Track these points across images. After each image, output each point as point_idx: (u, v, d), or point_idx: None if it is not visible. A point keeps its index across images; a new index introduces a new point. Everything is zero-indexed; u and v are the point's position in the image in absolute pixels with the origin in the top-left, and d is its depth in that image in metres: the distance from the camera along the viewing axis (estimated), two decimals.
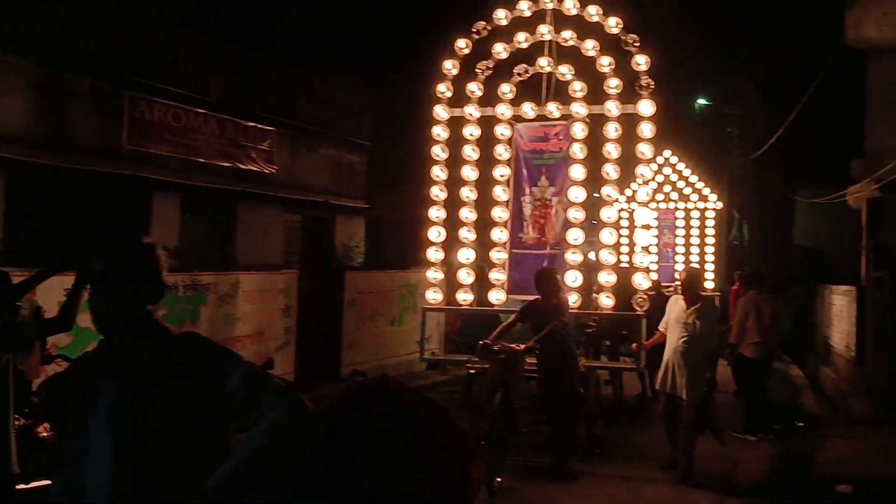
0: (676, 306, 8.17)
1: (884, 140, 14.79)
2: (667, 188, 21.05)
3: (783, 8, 27.97)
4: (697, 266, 19.19)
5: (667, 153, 20.94)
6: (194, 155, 11.85)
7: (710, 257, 20.78)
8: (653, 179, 20.69)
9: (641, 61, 9.55)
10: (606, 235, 9.54)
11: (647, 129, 9.48)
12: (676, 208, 20.97)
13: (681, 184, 21.00)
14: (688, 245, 20.90)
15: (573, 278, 9.37)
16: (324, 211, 14.94)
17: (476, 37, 10.18)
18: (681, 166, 21.11)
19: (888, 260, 11.24)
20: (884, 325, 11.38)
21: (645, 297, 9.41)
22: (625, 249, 19.44)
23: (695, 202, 20.94)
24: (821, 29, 18.68)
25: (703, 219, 20.95)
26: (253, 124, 13.00)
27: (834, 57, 15.48)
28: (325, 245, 14.98)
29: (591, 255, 10.40)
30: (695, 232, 20.89)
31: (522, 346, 7.93)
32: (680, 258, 20.77)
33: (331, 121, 15.38)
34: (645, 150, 9.51)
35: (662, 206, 20.90)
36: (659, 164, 20.78)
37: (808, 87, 16.96)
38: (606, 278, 9.54)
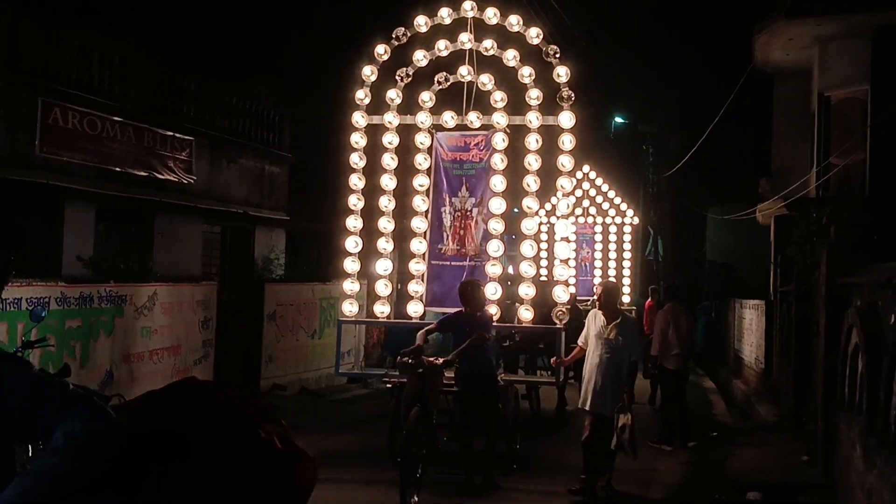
0: (596, 322, 7.97)
1: (789, 159, 15.43)
2: (585, 203, 21.59)
3: (697, 32, 28.92)
4: (614, 280, 19.61)
5: (586, 168, 21.40)
6: (110, 164, 11.57)
7: (626, 272, 21.33)
8: (572, 193, 21.08)
9: (562, 73, 9.56)
10: (526, 247, 9.52)
11: (567, 141, 9.48)
12: (595, 223, 21.45)
13: (599, 199, 21.55)
14: (605, 259, 21.34)
15: (493, 290, 9.29)
16: (244, 222, 14.75)
17: (396, 43, 10.05)
18: (599, 181, 21.62)
19: (795, 275, 11.69)
20: (790, 338, 11.83)
21: (564, 310, 9.40)
22: (544, 262, 19.81)
23: (612, 217, 21.49)
24: (732, 52, 19.37)
25: (620, 234, 21.50)
26: (171, 133, 12.78)
27: (743, 79, 16.05)
28: (245, 257, 14.79)
29: (511, 268, 10.57)
30: (612, 246, 21.40)
31: (441, 360, 7.77)
32: (598, 272, 21.20)
33: (252, 131, 15.23)
34: (565, 161, 9.49)
35: (581, 220, 21.35)
36: (578, 179, 21.22)
37: (720, 108, 17.54)
38: (526, 291, 9.51)
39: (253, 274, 14.40)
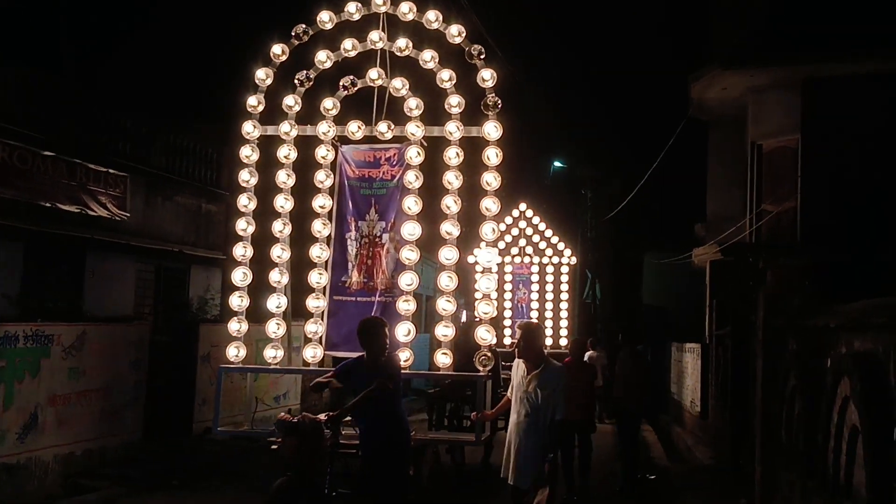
0: (518, 372, 6.67)
1: (723, 205, 15.79)
2: (522, 242, 20.93)
3: (635, 79, 29.64)
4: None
5: (522, 206, 21.18)
6: (41, 199, 11.23)
7: (564, 313, 20.74)
8: (500, 220, 20.63)
9: (487, 76, 8.14)
10: (445, 280, 8.00)
11: (493, 155, 8.07)
12: (532, 262, 20.84)
13: (536, 238, 20.92)
14: (542, 301, 20.71)
15: (405, 332, 7.92)
16: (179, 261, 14.44)
17: (296, 42, 8.69)
18: (536, 220, 21.01)
19: (729, 318, 11.88)
20: (726, 381, 11.98)
21: (489, 354, 7.92)
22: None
23: (549, 257, 20.90)
24: (670, 100, 19.86)
25: (557, 273, 20.88)
26: (105, 169, 12.47)
27: (680, 128, 16.44)
28: (179, 296, 14.45)
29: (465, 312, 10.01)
30: (549, 287, 20.77)
31: (324, 417, 6.36)
32: (534, 314, 20.85)
33: (189, 169, 14.99)
34: (490, 179, 8.04)
35: (518, 259, 21.03)
36: (514, 217, 21.12)
37: (657, 154, 17.93)
38: (443, 332, 8.00)
39: (187, 314, 14.05)
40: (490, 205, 8.01)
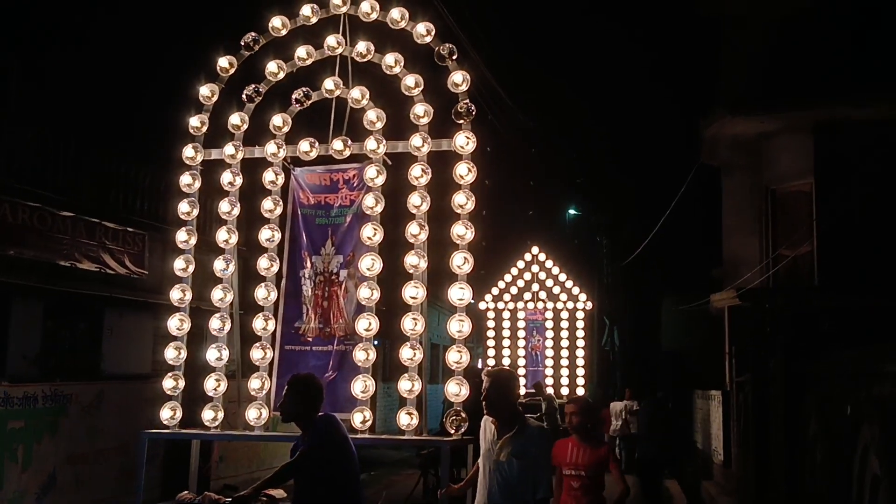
0: (486, 433, 5.24)
1: (739, 250, 15.73)
2: (535, 287, 20.71)
3: (650, 126, 29.85)
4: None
5: (535, 250, 21.04)
6: (60, 259, 11.38)
7: (580, 360, 20.31)
8: (514, 265, 20.17)
9: (459, 80, 6.95)
10: (409, 323, 6.73)
11: (464, 172, 6.79)
12: (546, 308, 20.54)
13: (549, 282, 20.69)
14: (557, 348, 20.28)
15: (362, 387, 6.69)
16: (196, 317, 14.46)
17: (246, 53, 7.71)
18: (549, 263, 20.81)
19: (749, 365, 11.76)
20: (747, 428, 11.82)
21: (462, 414, 6.52)
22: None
23: (564, 302, 20.54)
24: (684, 146, 19.94)
25: (572, 319, 20.48)
26: (123, 228, 12.64)
27: (692, 174, 16.48)
28: (199, 352, 14.46)
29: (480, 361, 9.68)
30: (564, 333, 20.37)
31: (226, 500, 5.50)
32: (550, 361, 20.30)
33: (205, 225, 15.11)
34: (462, 200, 6.75)
35: (531, 305, 20.83)
36: (526, 261, 21.03)
37: (672, 199, 17.95)
38: (408, 387, 6.68)
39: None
40: (461, 231, 6.73)
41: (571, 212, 34.35)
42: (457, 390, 6.50)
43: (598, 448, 6.12)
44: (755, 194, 15.12)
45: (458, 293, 6.68)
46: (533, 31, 42.18)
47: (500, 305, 20.92)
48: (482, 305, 20.92)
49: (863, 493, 5.07)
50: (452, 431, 6.46)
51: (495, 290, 21.03)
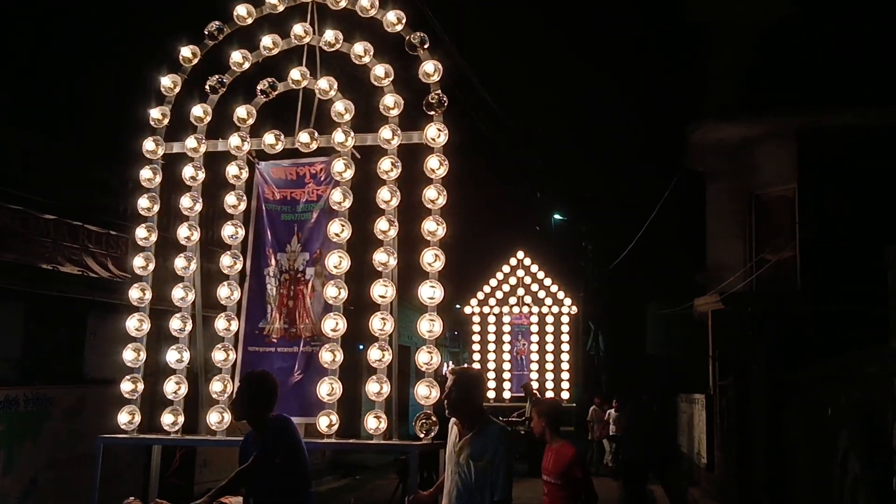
0: (451, 436, 5.21)
1: (723, 255, 15.83)
2: (520, 291, 20.85)
3: (635, 135, 29.94)
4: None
5: (520, 254, 21.13)
6: (42, 262, 11.29)
7: (565, 364, 20.49)
8: (499, 269, 20.26)
9: (430, 69, 6.66)
10: (377, 323, 6.45)
11: (435, 166, 6.50)
12: (531, 312, 20.69)
13: (535, 286, 20.84)
14: (542, 352, 20.47)
15: (328, 390, 6.45)
16: (159, 318, 14.39)
17: (210, 43, 7.42)
18: (534, 268, 20.96)
19: (731, 368, 11.82)
20: (730, 431, 11.87)
21: (432, 418, 6.21)
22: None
23: (549, 306, 20.73)
24: (669, 151, 20.01)
25: (557, 324, 20.68)
26: (106, 231, 12.56)
27: (676, 179, 16.57)
28: None
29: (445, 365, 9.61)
30: (549, 338, 20.58)
31: None
32: (535, 366, 20.57)
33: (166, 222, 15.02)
34: (433, 195, 6.47)
35: (516, 310, 20.91)
36: (511, 266, 21.08)
37: (656, 205, 18.03)
38: (375, 389, 6.43)
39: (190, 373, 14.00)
40: (432, 227, 6.43)
41: (556, 217, 34.43)
42: (427, 392, 6.22)
43: (566, 453, 6.06)
44: (739, 200, 15.22)
45: (429, 291, 6.36)
46: (514, 36, 42.31)
47: (486, 310, 21.04)
48: (467, 310, 20.96)
49: (843, 494, 5.10)
50: (422, 435, 6.17)
51: (480, 295, 21.12)
